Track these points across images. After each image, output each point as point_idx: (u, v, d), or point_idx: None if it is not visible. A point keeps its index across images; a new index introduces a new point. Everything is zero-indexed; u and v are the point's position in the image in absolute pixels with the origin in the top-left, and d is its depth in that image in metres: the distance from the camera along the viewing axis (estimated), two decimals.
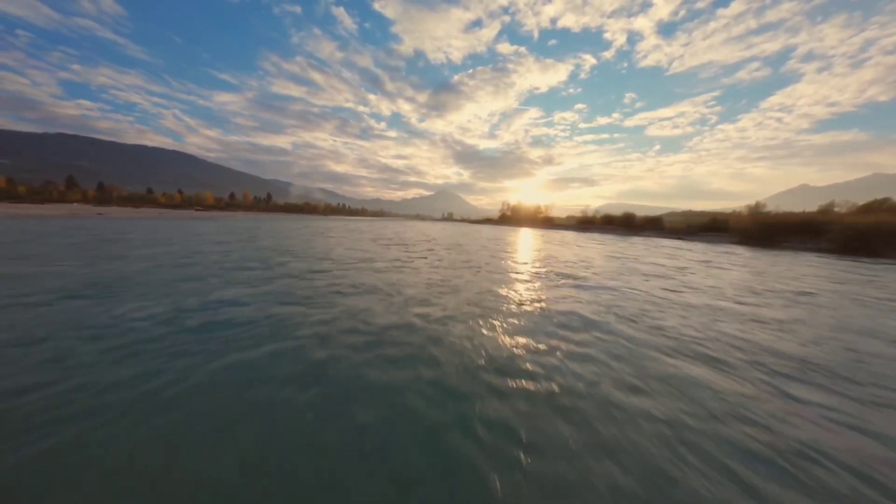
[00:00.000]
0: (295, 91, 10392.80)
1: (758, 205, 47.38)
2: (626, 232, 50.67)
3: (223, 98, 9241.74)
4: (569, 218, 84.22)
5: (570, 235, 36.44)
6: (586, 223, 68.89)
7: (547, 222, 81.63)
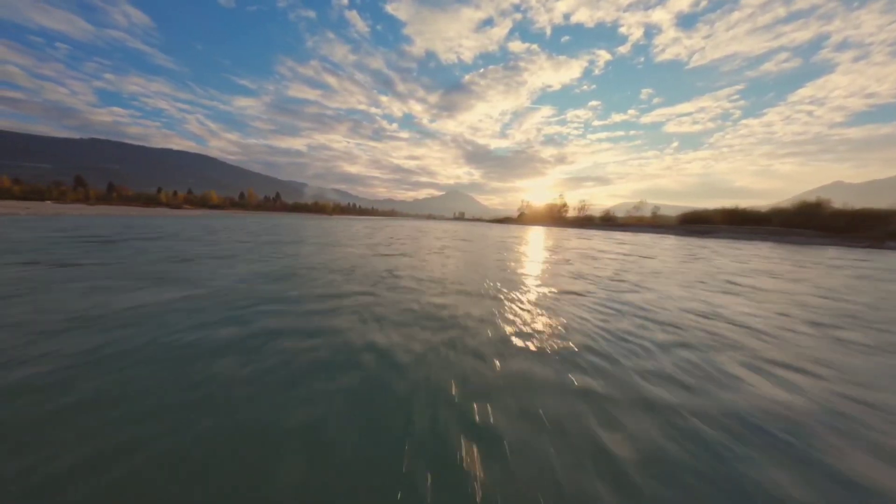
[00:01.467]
0: (310, 94, 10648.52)
1: (826, 200, 36.92)
2: (807, 238, 27.24)
3: (242, 102, 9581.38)
4: (639, 216, 65.21)
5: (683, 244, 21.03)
6: (699, 221, 44.84)
7: (603, 222, 63.13)
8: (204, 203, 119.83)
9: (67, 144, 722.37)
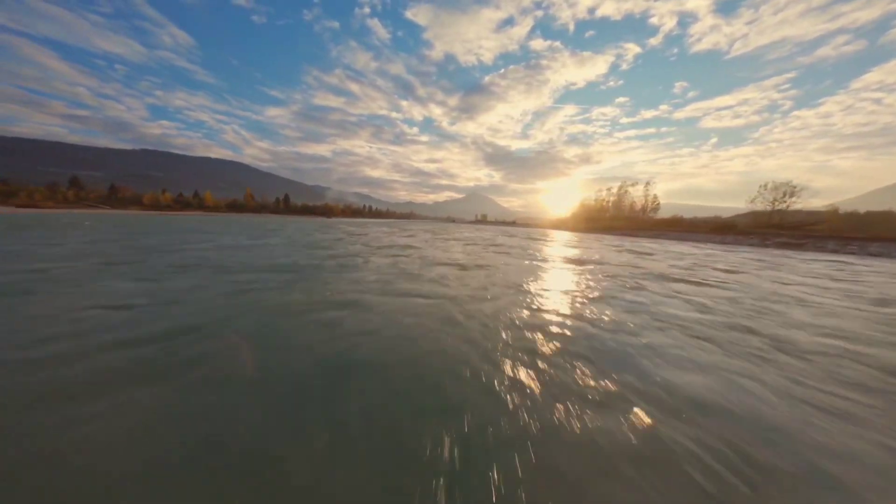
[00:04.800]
0: (334, 102, 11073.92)
1: None
2: None
3: (273, 112, 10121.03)
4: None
5: None
6: None
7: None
8: (199, 204, 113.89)
9: (122, 155, 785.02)
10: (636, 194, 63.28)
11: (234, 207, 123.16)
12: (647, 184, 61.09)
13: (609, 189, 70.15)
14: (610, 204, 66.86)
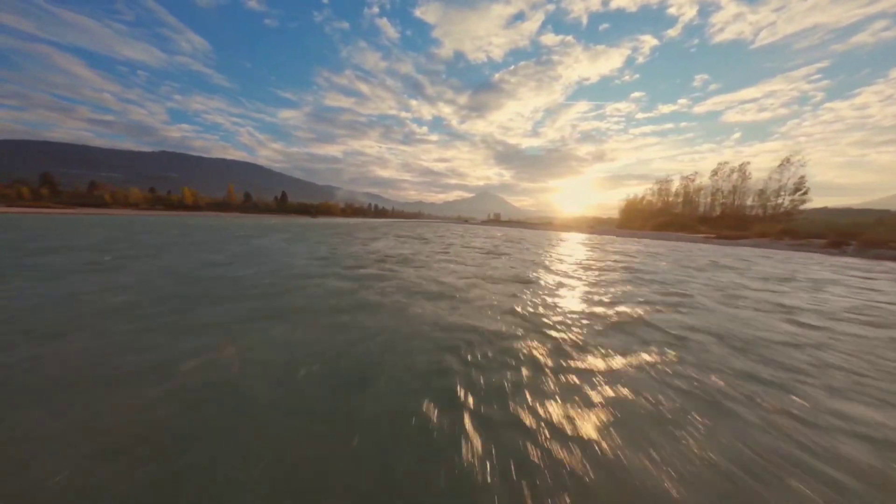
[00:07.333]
0: (344, 102, 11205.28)
1: None
2: None
3: (286, 114, 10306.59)
4: None
5: None
6: None
7: None
8: (180, 203, 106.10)
9: (142, 157, 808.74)
10: (753, 179, 39.09)
11: (222, 207, 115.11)
12: (787, 160, 36.62)
13: (690, 177, 43.98)
14: (690, 196, 42.83)
